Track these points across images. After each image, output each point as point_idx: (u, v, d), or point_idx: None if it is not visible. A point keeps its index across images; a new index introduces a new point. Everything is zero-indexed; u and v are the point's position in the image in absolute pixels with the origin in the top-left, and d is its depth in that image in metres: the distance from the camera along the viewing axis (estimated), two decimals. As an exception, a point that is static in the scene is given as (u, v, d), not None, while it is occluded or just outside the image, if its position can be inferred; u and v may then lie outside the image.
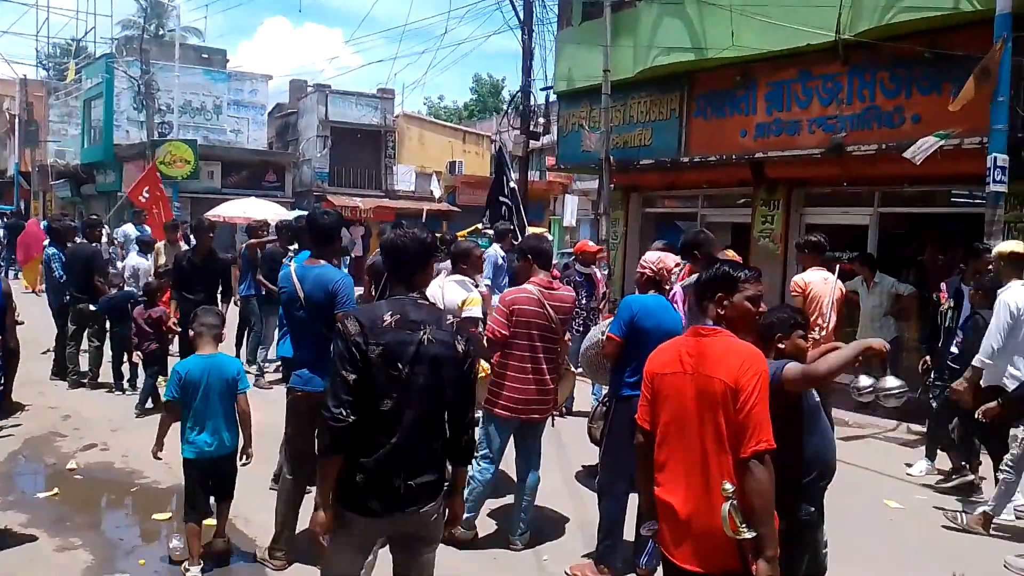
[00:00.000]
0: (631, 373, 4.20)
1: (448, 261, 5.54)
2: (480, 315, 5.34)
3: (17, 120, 34.07)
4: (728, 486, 2.50)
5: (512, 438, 4.85)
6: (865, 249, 9.95)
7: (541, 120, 14.25)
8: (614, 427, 4.40)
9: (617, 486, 4.41)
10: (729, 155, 10.73)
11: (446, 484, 2.97)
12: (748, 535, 2.48)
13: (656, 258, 4.57)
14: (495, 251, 9.04)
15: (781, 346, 3.35)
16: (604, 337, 4.58)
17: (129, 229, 11.23)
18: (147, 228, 11.73)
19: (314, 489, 3.07)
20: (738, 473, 2.56)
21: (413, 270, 2.98)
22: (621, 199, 13.27)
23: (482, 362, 5.14)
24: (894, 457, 7.21)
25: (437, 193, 26.89)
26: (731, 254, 7.10)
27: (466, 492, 4.20)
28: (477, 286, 5.56)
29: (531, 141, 14.24)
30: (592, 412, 5.76)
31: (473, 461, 4.03)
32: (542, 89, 14.57)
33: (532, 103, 14.05)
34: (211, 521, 4.55)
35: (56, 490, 5.56)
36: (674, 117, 11.75)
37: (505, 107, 22.52)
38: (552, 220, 27.43)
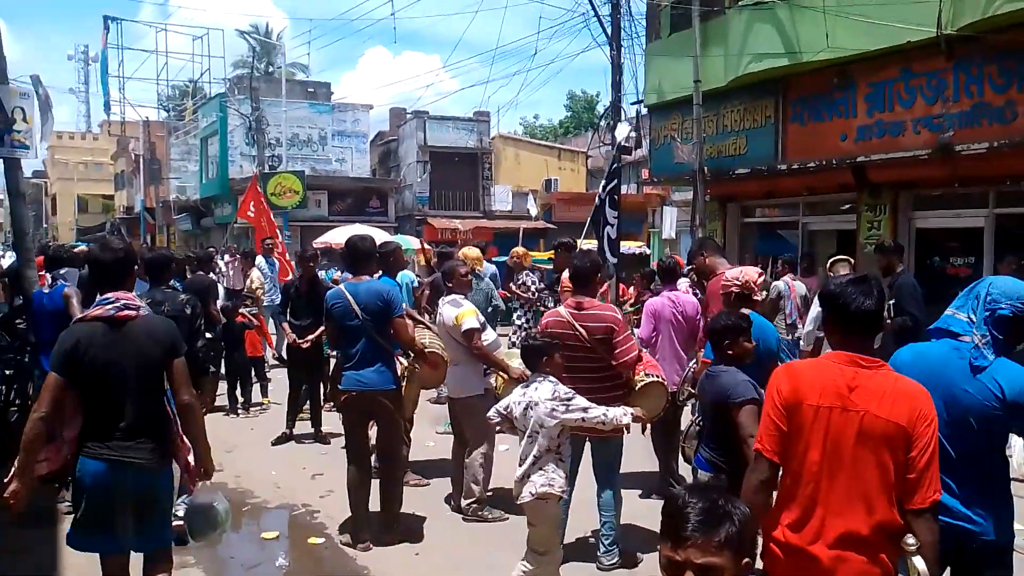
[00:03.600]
0: None
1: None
2: (477, 324, 5.50)
3: (141, 160, 36.47)
4: (912, 540, 2.37)
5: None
6: (981, 253, 9.46)
7: (632, 134, 14.19)
8: None
9: None
10: (829, 160, 10.40)
11: None
12: None
13: (738, 272, 4.50)
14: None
15: (730, 352, 3.72)
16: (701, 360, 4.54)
17: (260, 262, 11.70)
18: (276, 261, 12.18)
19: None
20: (911, 523, 2.41)
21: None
22: (718, 210, 13.04)
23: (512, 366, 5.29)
24: None
25: (533, 211, 27.07)
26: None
27: None
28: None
29: (623, 156, 14.18)
30: (686, 431, 5.68)
31: None
32: (633, 103, 14.54)
33: (623, 117, 14.02)
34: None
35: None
36: (769, 124, 11.48)
37: (597, 122, 22.52)
38: (651, 232, 27.11)
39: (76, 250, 15.38)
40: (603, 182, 10.18)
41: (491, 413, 4.31)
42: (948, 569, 2.83)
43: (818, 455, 2.47)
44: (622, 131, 13.38)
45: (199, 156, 32.56)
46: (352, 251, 5.35)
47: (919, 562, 2.33)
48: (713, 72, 11.62)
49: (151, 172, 36.67)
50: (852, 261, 7.59)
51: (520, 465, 4.07)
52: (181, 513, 4.26)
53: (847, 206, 11.21)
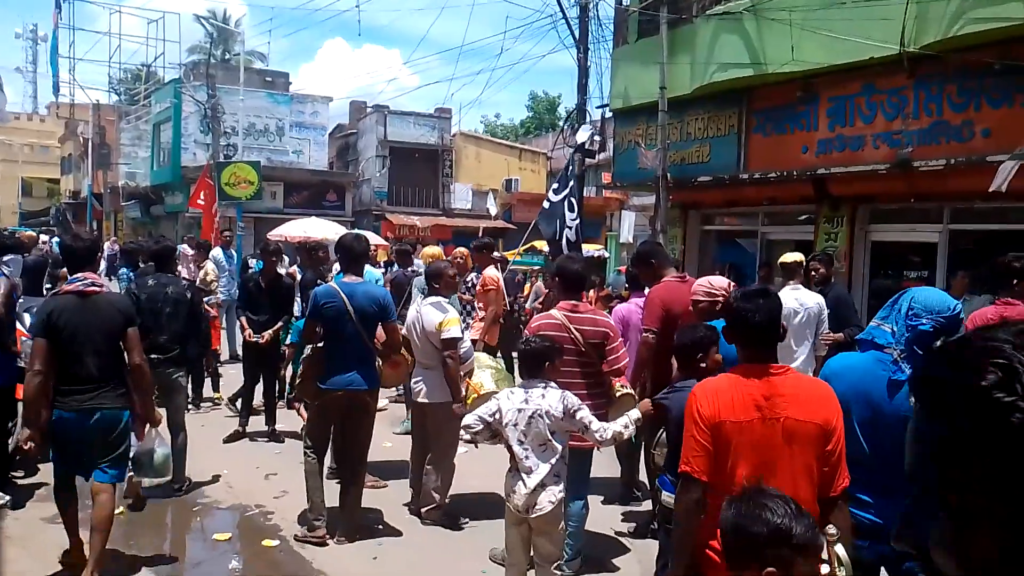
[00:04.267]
0: None
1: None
2: (459, 335, 5.45)
3: (90, 143, 35.48)
4: (832, 529, 2.38)
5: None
6: (934, 267, 9.66)
7: (597, 138, 14.19)
8: None
9: None
10: (790, 171, 10.51)
11: None
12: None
13: (707, 283, 4.46)
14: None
15: (703, 365, 3.70)
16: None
17: (217, 253, 11.40)
18: (233, 254, 11.93)
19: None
20: (827, 512, 2.54)
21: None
22: (679, 216, 13.11)
23: (471, 381, 5.24)
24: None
25: (493, 211, 27.03)
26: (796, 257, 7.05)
27: None
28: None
29: (586, 159, 14.18)
30: (656, 438, 5.67)
31: None
32: (598, 107, 14.55)
33: (588, 121, 14.00)
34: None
35: (122, 509, 5.68)
36: (733, 133, 11.57)
37: (561, 125, 22.54)
38: (608, 236, 27.26)
39: (23, 235, 14.86)
40: (555, 184, 10.11)
41: (471, 421, 4.07)
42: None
43: (747, 468, 2.54)
44: (583, 134, 13.36)
45: (151, 142, 31.78)
46: (347, 251, 5.36)
47: (840, 550, 2.38)
48: (679, 79, 11.67)
49: (100, 157, 35.72)
50: (802, 260, 7.31)
51: (527, 475, 3.91)
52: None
53: (805, 217, 11.37)
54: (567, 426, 3.93)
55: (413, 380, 5.71)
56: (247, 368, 7.86)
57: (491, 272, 8.44)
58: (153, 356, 5.42)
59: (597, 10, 13.61)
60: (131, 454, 4.70)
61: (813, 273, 7.56)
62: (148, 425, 4.74)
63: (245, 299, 7.79)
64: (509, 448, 4.00)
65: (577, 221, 9.97)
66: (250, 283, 7.81)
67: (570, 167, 10.37)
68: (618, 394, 4.73)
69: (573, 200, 9.87)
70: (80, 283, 4.38)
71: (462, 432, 4.23)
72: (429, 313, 5.48)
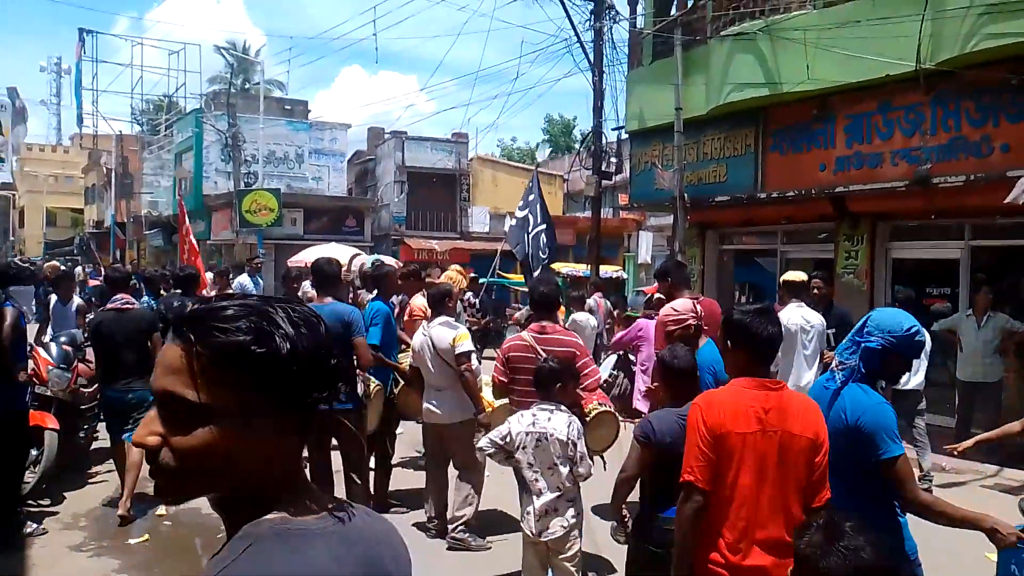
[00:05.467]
0: None
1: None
2: (472, 348, 5.52)
3: (113, 173, 36.00)
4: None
5: None
6: (956, 284, 9.59)
7: (613, 159, 14.26)
8: None
9: None
10: (808, 190, 10.50)
11: None
12: None
13: (672, 310, 4.48)
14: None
15: (689, 390, 3.62)
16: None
17: (244, 280, 11.48)
18: (260, 280, 12.02)
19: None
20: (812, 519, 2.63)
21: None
22: (697, 236, 13.11)
23: (485, 397, 5.31)
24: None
25: (511, 233, 27.07)
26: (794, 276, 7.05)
27: None
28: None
29: (603, 180, 14.24)
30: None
31: None
32: (614, 129, 14.65)
33: (603, 142, 14.08)
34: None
35: (147, 536, 5.73)
36: (749, 153, 11.58)
37: (577, 147, 22.65)
38: (627, 257, 27.27)
39: (47, 265, 15.06)
40: (520, 202, 11.77)
41: (484, 444, 4.11)
42: None
43: (749, 479, 2.65)
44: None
45: (172, 171, 32.23)
46: (318, 273, 5.57)
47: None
48: (694, 100, 11.71)
49: (123, 186, 36.24)
50: (805, 278, 7.23)
51: (536, 497, 3.93)
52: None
53: (824, 235, 11.33)
54: (568, 453, 3.94)
55: (428, 403, 5.67)
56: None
57: (418, 301, 7.39)
58: None
59: (612, 33, 13.73)
60: None
61: (815, 291, 7.52)
62: None
63: None
64: (519, 470, 4.02)
65: (543, 226, 11.31)
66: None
67: (531, 183, 11.86)
68: (594, 412, 4.74)
69: (534, 216, 11.32)
70: (119, 302, 6.29)
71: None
72: (440, 332, 5.53)
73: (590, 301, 11.13)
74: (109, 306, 6.32)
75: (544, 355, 4.60)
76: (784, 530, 2.66)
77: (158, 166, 34.34)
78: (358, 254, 11.79)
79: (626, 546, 3.72)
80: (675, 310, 4.48)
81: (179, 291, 7.65)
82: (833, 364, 2.96)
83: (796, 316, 6.43)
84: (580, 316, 10.01)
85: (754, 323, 2.80)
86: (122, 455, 6.16)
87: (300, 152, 29.61)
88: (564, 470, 3.94)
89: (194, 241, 15.17)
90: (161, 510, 6.26)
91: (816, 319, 6.76)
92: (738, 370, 2.84)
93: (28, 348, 6.13)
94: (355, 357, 5.21)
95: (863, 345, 2.85)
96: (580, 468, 3.97)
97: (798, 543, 2.03)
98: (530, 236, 11.61)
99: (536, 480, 3.94)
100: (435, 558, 5.41)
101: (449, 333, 5.51)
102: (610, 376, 7.22)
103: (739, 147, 11.78)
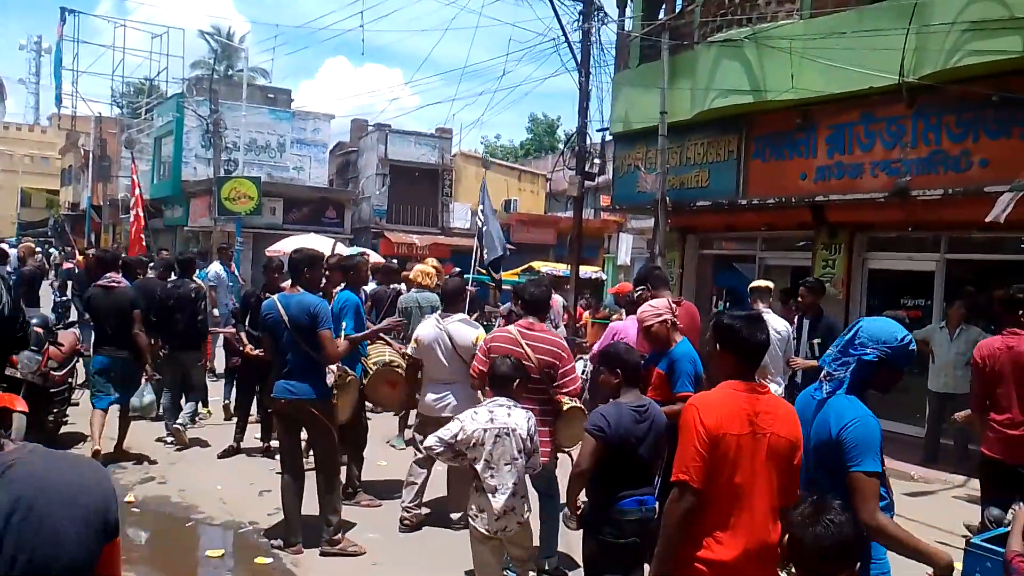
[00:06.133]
0: None
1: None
2: None
3: (91, 156, 35.53)
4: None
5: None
6: (931, 296, 9.71)
7: (596, 161, 14.26)
8: None
9: None
10: (789, 198, 10.57)
11: None
12: None
13: (650, 307, 4.57)
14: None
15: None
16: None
17: (217, 268, 11.31)
18: (237, 270, 11.90)
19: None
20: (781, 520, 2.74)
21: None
22: (677, 240, 13.16)
23: None
24: (959, 514, 6.89)
25: (492, 231, 27.05)
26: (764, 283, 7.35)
27: None
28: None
29: (586, 181, 14.25)
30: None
31: None
32: (598, 130, 14.61)
33: (588, 144, 14.08)
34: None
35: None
36: (732, 159, 11.64)
37: (561, 147, 22.66)
38: (606, 258, 27.35)
39: (22, 247, 14.82)
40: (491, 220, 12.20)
41: (432, 442, 4.08)
42: None
43: (741, 479, 2.71)
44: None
45: (152, 156, 31.84)
46: (290, 264, 5.53)
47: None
48: (679, 105, 11.75)
49: (100, 169, 35.77)
50: (771, 286, 7.87)
51: (493, 495, 3.96)
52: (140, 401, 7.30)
53: (803, 243, 11.42)
54: (527, 446, 4.06)
55: (435, 397, 5.61)
56: (243, 384, 7.84)
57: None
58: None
59: (599, 35, 13.72)
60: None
61: (800, 299, 7.75)
62: (144, 375, 7.19)
63: (245, 314, 7.75)
64: (473, 468, 4.04)
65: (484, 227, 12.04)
66: (252, 298, 7.78)
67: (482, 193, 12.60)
68: (566, 407, 4.82)
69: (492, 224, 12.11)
70: (106, 280, 7.08)
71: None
72: (461, 329, 5.62)
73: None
74: (99, 283, 7.09)
75: (528, 350, 4.68)
76: (771, 530, 2.74)
77: (137, 150, 33.90)
78: (336, 244, 11.71)
79: (579, 531, 3.79)
80: (652, 306, 4.61)
81: (179, 274, 8.44)
82: (822, 374, 2.90)
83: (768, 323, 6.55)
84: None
85: (745, 329, 2.88)
86: (101, 424, 6.96)
87: (282, 141, 29.40)
88: (521, 463, 4.02)
89: (143, 236, 15.34)
90: (130, 497, 6.19)
91: (782, 326, 6.96)
92: (725, 374, 2.89)
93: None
94: (321, 348, 5.12)
95: (858, 357, 2.79)
96: (533, 460, 4.11)
97: (792, 513, 2.25)
98: (497, 241, 12.09)
99: (491, 476, 3.97)
100: (408, 552, 5.40)
101: (471, 332, 5.62)
102: (583, 375, 7.27)
103: (722, 153, 11.84)
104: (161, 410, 7.92)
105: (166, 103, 30.27)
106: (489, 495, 3.97)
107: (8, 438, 1.32)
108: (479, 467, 3.99)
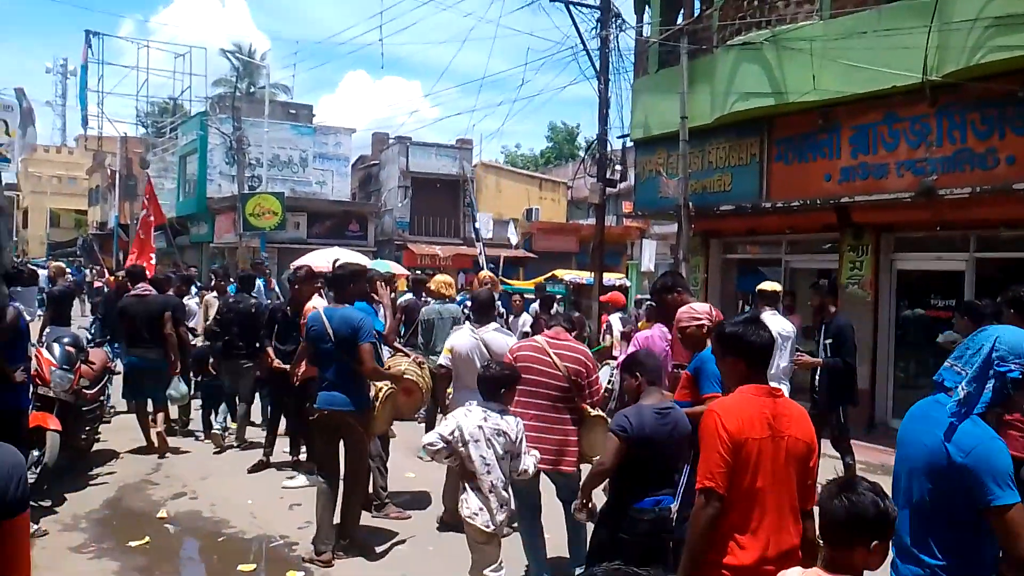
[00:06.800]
0: None
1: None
2: None
3: (117, 175, 36.04)
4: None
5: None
6: (960, 296, 9.56)
7: (618, 167, 14.24)
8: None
9: None
10: (813, 200, 10.49)
11: None
12: None
13: (690, 309, 4.50)
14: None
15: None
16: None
17: (257, 283, 11.39)
18: (275, 285, 12.05)
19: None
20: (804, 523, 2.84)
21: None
22: (700, 245, 13.10)
23: None
24: None
25: (514, 240, 27.10)
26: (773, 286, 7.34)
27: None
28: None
29: (607, 188, 14.23)
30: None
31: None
32: (619, 137, 14.60)
33: (608, 150, 14.07)
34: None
35: (147, 538, 5.71)
36: (754, 162, 11.59)
37: (581, 155, 22.66)
38: (629, 265, 27.25)
39: (51, 266, 15.05)
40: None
41: (433, 439, 4.18)
42: None
43: (763, 483, 2.73)
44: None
45: (177, 174, 32.26)
46: (332, 279, 5.77)
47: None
48: (700, 109, 11.72)
49: (127, 188, 36.22)
50: (779, 289, 7.82)
51: (491, 492, 4.10)
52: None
53: (828, 245, 11.31)
54: (514, 449, 4.18)
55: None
56: (274, 397, 7.88)
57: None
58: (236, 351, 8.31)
59: (617, 41, 13.71)
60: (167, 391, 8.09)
61: (809, 303, 7.80)
62: (176, 372, 8.12)
63: (271, 328, 7.76)
64: (468, 466, 4.13)
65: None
66: (278, 313, 7.80)
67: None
68: (591, 414, 4.88)
69: None
70: (139, 289, 8.34)
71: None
72: (497, 338, 5.77)
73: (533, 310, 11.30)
74: (132, 292, 8.42)
75: (555, 358, 4.75)
76: (793, 531, 2.78)
77: (162, 168, 34.36)
78: (341, 262, 11.85)
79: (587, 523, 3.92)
80: (694, 308, 4.53)
81: (242, 290, 9.14)
82: (960, 393, 2.51)
83: (774, 324, 6.48)
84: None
85: (748, 332, 2.93)
86: (145, 419, 8.11)
87: (304, 156, 29.64)
88: (506, 464, 4.17)
89: (151, 257, 15.76)
90: (162, 512, 6.24)
91: (789, 328, 7.08)
92: (738, 379, 2.93)
93: (30, 348, 6.12)
94: (360, 362, 5.28)
95: (1002, 374, 2.44)
96: (516, 463, 4.22)
97: (833, 503, 2.28)
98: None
99: (488, 472, 4.08)
100: (437, 563, 5.40)
101: (507, 340, 5.78)
102: (610, 384, 7.24)
103: (744, 156, 11.79)
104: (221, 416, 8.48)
105: (190, 121, 30.65)
106: (488, 493, 4.09)
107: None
108: (476, 465, 4.09)
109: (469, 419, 4.14)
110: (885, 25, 9.19)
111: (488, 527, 4.09)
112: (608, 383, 6.18)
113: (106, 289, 13.26)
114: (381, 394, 5.65)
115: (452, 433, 4.12)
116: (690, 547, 2.78)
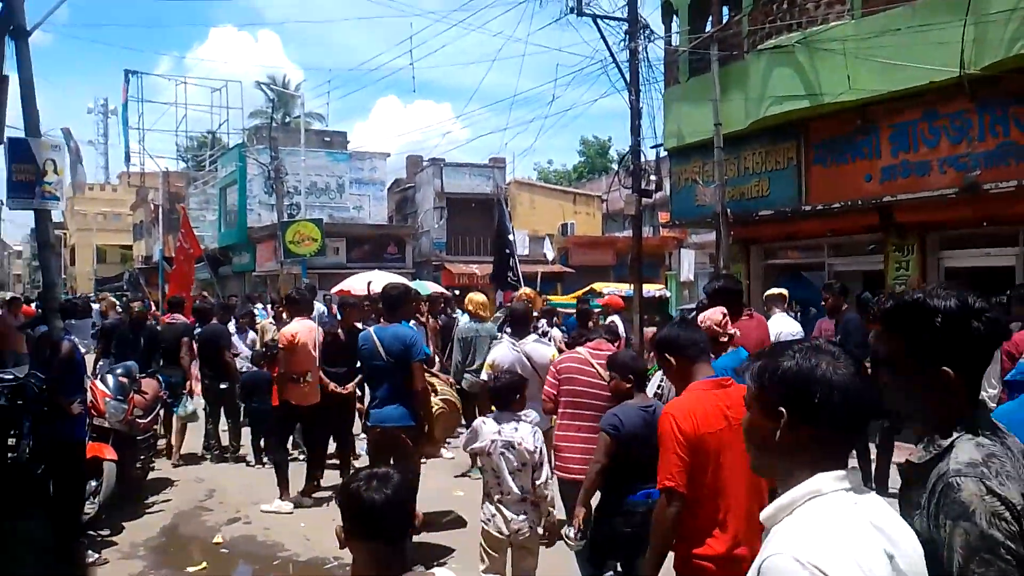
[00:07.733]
0: None
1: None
2: None
3: (160, 209, 36.86)
4: None
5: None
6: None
7: (652, 178, 14.18)
8: None
9: None
10: (855, 201, 10.35)
11: None
12: None
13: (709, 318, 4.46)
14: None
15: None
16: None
17: (320, 308, 11.57)
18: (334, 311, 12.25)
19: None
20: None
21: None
22: (740, 252, 12.97)
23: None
24: None
25: (550, 255, 27.12)
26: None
27: None
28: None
29: (643, 198, 14.17)
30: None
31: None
32: (652, 147, 14.55)
33: (642, 161, 14.02)
34: None
35: (204, 564, 5.79)
36: (791, 166, 11.47)
37: (614, 167, 22.62)
38: (668, 275, 27.06)
39: (101, 297, 15.41)
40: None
41: (479, 445, 4.32)
42: None
43: (727, 472, 2.82)
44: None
45: (218, 205, 32.90)
46: (384, 298, 5.96)
47: None
48: (733, 115, 11.65)
49: (170, 222, 37.01)
50: (786, 294, 7.90)
51: (506, 497, 4.23)
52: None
53: (873, 247, 11.12)
54: (534, 460, 4.25)
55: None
56: (320, 420, 7.95)
57: (294, 328, 7.31)
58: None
59: (646, 52, 13.69)
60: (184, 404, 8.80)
61: (823, 303, 7.84)
62: (192, 391, 8.88)
63: (322, 352, 7.83)
64: (486, 473, 4.32)
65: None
66: (327, 337, 7.87)
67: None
68: None
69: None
70: (169, 318, 9.45)
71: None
72: (538, 349, 6.11)
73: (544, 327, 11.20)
74: (165, 319, 9.78)
75: (599, 368, 4.78)
76: (758, 510, 2.74)
77: (203, 201, 35.10)
78: (391, 283, 12.02)
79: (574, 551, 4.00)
80: (710, 319, 4.55)
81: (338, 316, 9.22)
82: None
83: (784, 326, 7.01)
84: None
85: (675, 333, 3.18)
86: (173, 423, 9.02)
87: (341, 182, 30.05)
88: (527, 475, 4.25)
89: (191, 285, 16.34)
90: (218, 538, 6.33)
91: (796, 329, 7.28)
92: (683, 378, 3.11)
93: (86, 380, 6.27)
94: (412, 379, 5.46)
95: None
96: (540, 474, 4.27)
97: (786, 364, 2.24)
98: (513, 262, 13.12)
99: (499, 484, 4.24)
100: None
101: (547, 350, 6.11)
102: (659, 389, 7.19)
103: (781, 161, 11.68)
104: None
105: (228, 154, 31.28)
106: (503, 501, 4.24)
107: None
108: (487, 475, 4.31)
109: (485, 429, 4.32)
110: (919, 21, 9.06)
111: (501, 533, 4.24)
112: (657, 388, 6.13)
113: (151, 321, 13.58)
114: (436, 412, 5.78)
115: (473, 443, 4.35)
116: (655, 544, 2.91)
